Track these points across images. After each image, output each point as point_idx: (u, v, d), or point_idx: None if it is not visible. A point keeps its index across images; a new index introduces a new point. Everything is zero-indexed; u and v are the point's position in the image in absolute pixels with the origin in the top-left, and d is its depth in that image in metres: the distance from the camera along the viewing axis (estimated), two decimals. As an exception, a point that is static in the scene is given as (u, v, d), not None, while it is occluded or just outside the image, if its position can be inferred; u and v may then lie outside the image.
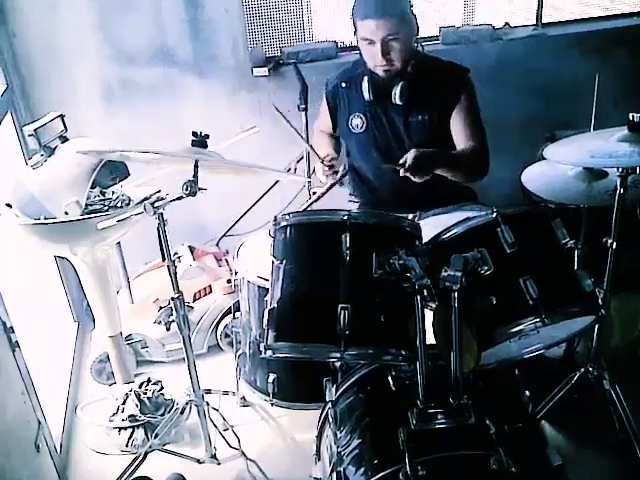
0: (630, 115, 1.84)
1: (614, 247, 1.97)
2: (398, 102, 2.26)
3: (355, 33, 2.25)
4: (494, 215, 1.67)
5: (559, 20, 3.60)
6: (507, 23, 3.46)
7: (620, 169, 1.85)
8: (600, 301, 1.88)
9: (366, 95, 2.30)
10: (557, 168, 2.18)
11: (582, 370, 2.16)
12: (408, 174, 2.04)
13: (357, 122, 2.38)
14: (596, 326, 2.06)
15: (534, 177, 2.17)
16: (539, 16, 3.48)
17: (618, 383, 2.11)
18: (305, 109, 2.81)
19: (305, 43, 3.29)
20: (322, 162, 2.33)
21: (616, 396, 2.08)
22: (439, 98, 2.29)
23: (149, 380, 2.54)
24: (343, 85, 2.41)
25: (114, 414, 2.42)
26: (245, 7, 3.05)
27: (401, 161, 2.06)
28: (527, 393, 1.69)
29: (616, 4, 3.76)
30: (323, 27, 3.45)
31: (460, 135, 2.31)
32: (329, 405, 1.74)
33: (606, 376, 2.12)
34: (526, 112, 3.28)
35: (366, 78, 2.29)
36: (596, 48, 3.32)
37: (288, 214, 1.72)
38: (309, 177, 2.80)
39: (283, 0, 3.16)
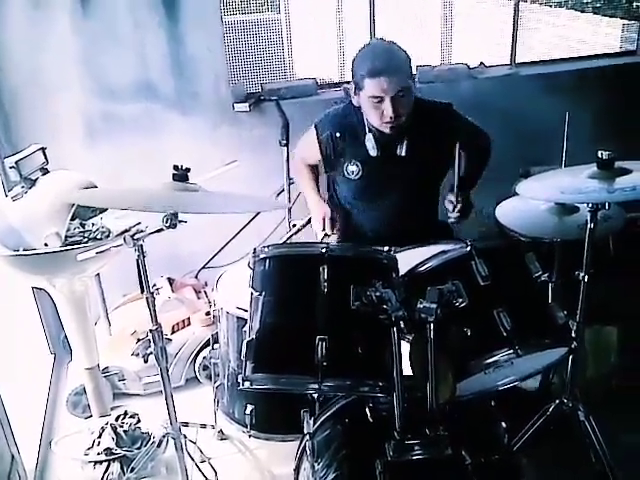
0: (599, 152, 1.87)
1: (586, 280, 2.01)
2: (403, 154, 2.28)
3: (357, 91, 2.21)
4: (469, 248, 1.71)
5: (532, 60, 3.72)
6: (482, 62, 3.55)
7: (590, 205, 1.90)
8: (573, 333, 1.93)
9: (372, 152, 2.29)
10: (530, 203, 2.24)
11: (557, 401, 2.18)
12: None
13: (353, 169, 2.35)
14: (570, 358, 2.09)
15: (508, 212, 2.23)
16: (513, 56, 3.60)
17: (593, 414, 2.13)
18: (286, 144, 2.85)
19: (285, 80, 3.36)
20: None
21: (591, 427, 2.10)
22: (439, 142, 2.29)
23: (126, 413, 2.50)
24: (338, 135, 2.36)
25: (89, 448, 2.38)
26: (227, 45, 3.11)
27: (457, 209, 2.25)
28: (503, 424, 1.70)
29: (587, 45, 3.90)
30: (303, 64, 3.53)
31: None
32: (307, 437, 1.74)
33: (581, 407, 2.14)
34: (501, 148, 3.31)
35: (370, 136, 2.27)
36: (569, 87, 3.43)
37: (267, 246, 1.75)
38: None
39: (264, 38, 3.23)
